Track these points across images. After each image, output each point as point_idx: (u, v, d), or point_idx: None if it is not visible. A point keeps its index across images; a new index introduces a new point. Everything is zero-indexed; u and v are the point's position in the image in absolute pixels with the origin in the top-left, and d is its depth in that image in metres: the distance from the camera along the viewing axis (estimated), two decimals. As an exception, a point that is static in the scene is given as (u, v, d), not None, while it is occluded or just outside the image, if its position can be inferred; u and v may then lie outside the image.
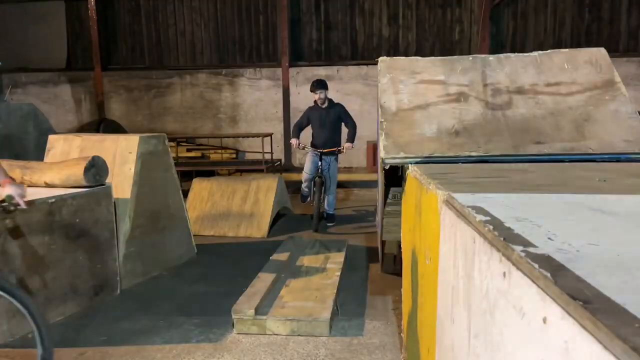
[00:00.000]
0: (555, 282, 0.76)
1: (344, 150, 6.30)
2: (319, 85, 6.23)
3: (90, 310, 3.83)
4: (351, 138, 6.28)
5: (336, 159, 6.45)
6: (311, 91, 6.32)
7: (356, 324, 3.53)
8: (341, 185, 9.32)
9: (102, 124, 10.99)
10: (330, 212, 6.62)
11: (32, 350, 3.20)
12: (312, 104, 6.44)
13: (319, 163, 6.26)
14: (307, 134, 6.48)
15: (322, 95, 6.19)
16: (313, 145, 6.36)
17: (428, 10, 11.06)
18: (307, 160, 6.47)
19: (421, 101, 3.48)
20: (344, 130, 6.41)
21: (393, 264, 4.44)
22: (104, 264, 4.06)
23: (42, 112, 7.80)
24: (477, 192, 1.66)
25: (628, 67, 10.13)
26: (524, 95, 3.41)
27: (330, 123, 6.29)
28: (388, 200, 3.54)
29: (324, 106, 6.29)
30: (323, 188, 6.30)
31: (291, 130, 6.68)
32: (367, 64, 10.91)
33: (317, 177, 6.25)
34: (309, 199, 6.59)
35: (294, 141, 6.34)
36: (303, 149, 6.39)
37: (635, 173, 2.36)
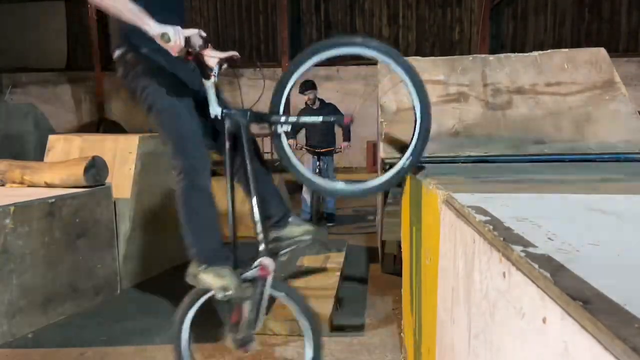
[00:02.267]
0: (555, 282, 0.76)
1: (343, 150, 6.30)
2: (308, 86, 6.21)
3: (90, 310, 3.83)
4: (347, 137, 6.27)
5: (332, 159, 6.44)
6: (300, 93, 6.30)
7: (356, 323, 3.53)
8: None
9: (102, 124, 11.00)
10: (330, 212, 6.62)
11: (32, 350, 3.21)
12: None
13: (317, 163, 6.26)
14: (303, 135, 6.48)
15: (312, 96, 6.18)
16: (309, 145, 6.35)
17: (428, 10, 11.07)
18: (304, 161, 6.48)
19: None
20: (338, 130, 6.40)
21: (393, 264, 4.44)
22: (104, 264, 4.05)
23: (42, 112, 7.80)
24: (477, 192, 1.66)
25: (628, 67, 10.13)
26: (524, 95, 3.40)
27: (324, 123, 6.28)
28: (388, 200, 3.54)
29: (315, 106, 6.29)
30: None
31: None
32: (367, 64, 10.91)
33: None
34: (311, 217, 6.40)
35: (291, 142, 6.34)
36: (301, 149, 6.39)
37: (635, 173, 2.35)
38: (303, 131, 6.51)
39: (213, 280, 2.15)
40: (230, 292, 2.13)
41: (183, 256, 5.52)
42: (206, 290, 2.27)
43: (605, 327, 0.61)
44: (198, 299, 2.35)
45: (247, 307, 2.24)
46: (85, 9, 11.66)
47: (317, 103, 6.29)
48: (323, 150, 6.21)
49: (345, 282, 4.31)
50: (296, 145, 6.28)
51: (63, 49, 12.04)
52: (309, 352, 2.31)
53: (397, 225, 3.36)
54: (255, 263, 2.27)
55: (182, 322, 2.37)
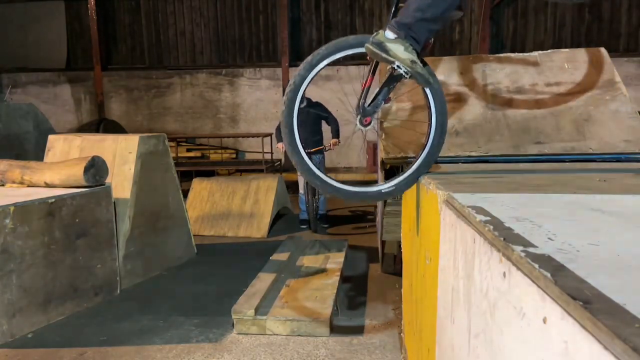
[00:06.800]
0: (556, 282, 0.76)
1: (333, 147, 6.24)
2: None
3: (90, 310, 3.83)
4: (335, 134, 6.24)
5: (323, 157, 6.39)
6: None
7: (356, 324, 3.53)
8: (341, 185, 9.28)
9: (102, 124, 10.99)
10: (322, 212, 6.59)
11: (32, 350, 3.21)
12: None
13: None
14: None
15: None
16: None
17: (428, 10, 11.05)
18: None
19: (421, 101, 3.48)
20: (326, 129, 6.36)
21: (393, 264, 4.44)
22: (104, 264, 4.06)
23: (42, 112, 7.80)
24: (477, 192, 1.66)
25: (628, 67, 10.12)
26: (524, 95, 3.40)
27: (311, 122, 6.23)
28: (388, 200, 3.54)
29: (302, 105, 6.24)
30: (316, 189, 6.24)
31: (274, 135, 6.60)
32: (367, 64, 10.90)
33: None
34: (309, 224, 6.36)
35: (280, 145, 6.29)
36: None
37: (635, 173, 2.35)
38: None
39: (402, 53, 2.09)
40: (416, 68, 2.08)
41: (183, 256, 5.54)
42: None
43: (606, 327, 0.61)
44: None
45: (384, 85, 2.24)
46: (85, 9, 11.66)
47: (305, 102, 6.26)
48: (312, 150, 6.13)
49: (345, 282, 4.31)
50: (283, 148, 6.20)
51: (63, 49, 12.04)
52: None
53: (397, 225, 3.37)
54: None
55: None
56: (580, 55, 3.54)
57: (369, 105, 2.27)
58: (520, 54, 3.66)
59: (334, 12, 11.27)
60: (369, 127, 2.31)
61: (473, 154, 3.11)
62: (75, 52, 12.14)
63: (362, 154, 10.83)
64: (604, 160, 3.00)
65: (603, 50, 3.56)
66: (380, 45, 2.11)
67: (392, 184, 2.27)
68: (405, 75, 2.13)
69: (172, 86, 11.79)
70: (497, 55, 3.72)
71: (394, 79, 2.22)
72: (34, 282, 3.47)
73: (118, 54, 12.03)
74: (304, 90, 2.28)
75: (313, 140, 6.24)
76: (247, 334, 3.38)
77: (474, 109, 3.38)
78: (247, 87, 11.53)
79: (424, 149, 2.27)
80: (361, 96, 2.26)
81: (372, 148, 10.20)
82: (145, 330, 3.49)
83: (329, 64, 2.24)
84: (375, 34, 2.14)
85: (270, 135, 10.24)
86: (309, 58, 2.21)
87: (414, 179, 2.29)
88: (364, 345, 3.20)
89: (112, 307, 3.91)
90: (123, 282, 4.28)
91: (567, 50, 3.64)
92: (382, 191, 2.29)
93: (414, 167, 2.27)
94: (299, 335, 3.34)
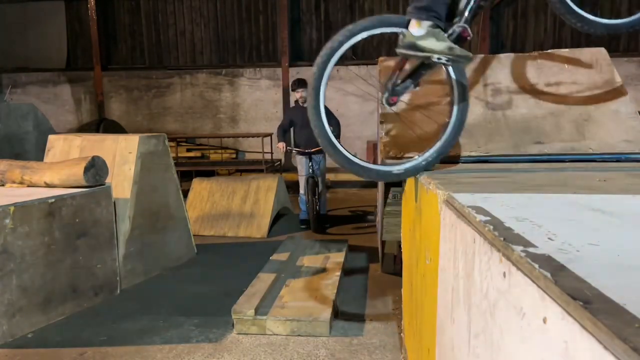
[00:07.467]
0: (556, 282, 0.76)
1: None
2: (300, 84, 6.14)
3: (90, 310, 3.83)
4: (337, 134, 6.25)
5: (324, 157, 6.37)
6: (292, 90, 6.26)
7: (356, 324, 3.53)
8: (341, 185, 9.33)
9: (102, 124, 10.99)
10: (323, 213, 6.58)
11: (32, 350, 3.21)
12: None
13: (310, 163, 6.20)
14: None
15: (304, 94, 6.10)
16: (297, 146, 6.30)
17: (428, 10, 11.04)
18: (298, 163, 6.47)
19: (421, 101, 3.48)
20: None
21: (393, 264, 4.43)
22: (104, 264, 4.06)
23: (42, 112, 7.81)
24: (477, 192, 1.66)
25: (628, 67, 10.12)
26: (524, 95, 3.40)
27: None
28: (388, 200, 3.54)
29: (305, 105, 6.27)
30: (317, 189, 6.26)
31: (276, 134, 6.59)
32: (367, 64, 10.91)
33: (310, 178, 6.21)
34: (309, 224, 6.33)
35: (281, 145, 6.28)
36: (291, 152, 6.33)
37: (635, 173, 2.35)
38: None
39: (437, 45, 2.07)
40: (455, 52, 2.06)
41: (183, 256, 5.53)
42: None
43: (606, 327, 0.61)
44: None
45: (414, 63, 2.23)
46: (85, 9, 11.66)
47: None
48: (313, 150, 6.11)
49: (345, 282, 4.31)
50: (286, 148, 6.21)
51: (63, 49, 12.03)
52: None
53: (397, 225, 3.36)
54: (456, 28, 2.22)
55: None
56: (580, 55, 3.54)
57: (398, 85, 2.27)
58: (520, 54, 3.65)
59: (334, 12, 11.27)
60: (393, 107, 2.32)
61: (473, 154, 3.11)
62: (75, 52, 12.14)
63: (362, 154, 10.82)
64: (604, 160, 2.99)
65: (603, 50, 3.55)
66: (413, 47, 2.09)
67: (403, 168, 2.30)
68: (448, 63, 2.13)
69: (172, 86, 11.78)
70: (497, 55, 3.72)
71: (429, 66, 2.21)
72: (34, 282, 3.47)
73: (118, 54, 12.03)
74: (338, 58, 2.25)
75: (314, 141, 6.20)
76: (247, 334, 3.38)
77: (474, 109, 3.38)
78: (247, 87, 11.53)
79: (441, 136, 2.28)
80: (392, 76, 2.26)
81: (372, 148, 10.20)
82: (145, 330, 3.49)
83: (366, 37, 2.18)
84: (402, 37, 2.11)
85: (270, 135, 10.25)
86: (350, 26, 2.18)
87: (424, 166, 2.32)
88: (364, 345, 3.20)
89: (112, 307, 3.91)
90: (123, 282, 4.28)
91: (567, 50, 3.64)
92: (393, 172, 2.32)
93: (427, 154, 2.29)
94: (299, 335, 3.34)
